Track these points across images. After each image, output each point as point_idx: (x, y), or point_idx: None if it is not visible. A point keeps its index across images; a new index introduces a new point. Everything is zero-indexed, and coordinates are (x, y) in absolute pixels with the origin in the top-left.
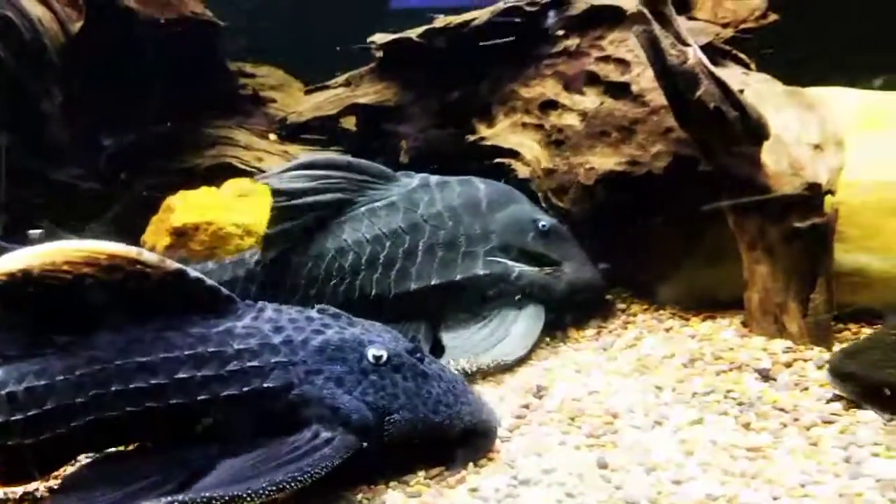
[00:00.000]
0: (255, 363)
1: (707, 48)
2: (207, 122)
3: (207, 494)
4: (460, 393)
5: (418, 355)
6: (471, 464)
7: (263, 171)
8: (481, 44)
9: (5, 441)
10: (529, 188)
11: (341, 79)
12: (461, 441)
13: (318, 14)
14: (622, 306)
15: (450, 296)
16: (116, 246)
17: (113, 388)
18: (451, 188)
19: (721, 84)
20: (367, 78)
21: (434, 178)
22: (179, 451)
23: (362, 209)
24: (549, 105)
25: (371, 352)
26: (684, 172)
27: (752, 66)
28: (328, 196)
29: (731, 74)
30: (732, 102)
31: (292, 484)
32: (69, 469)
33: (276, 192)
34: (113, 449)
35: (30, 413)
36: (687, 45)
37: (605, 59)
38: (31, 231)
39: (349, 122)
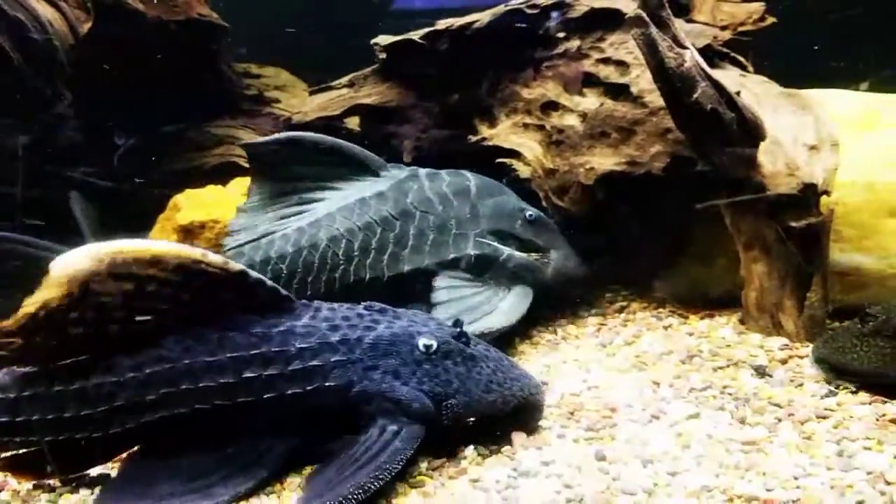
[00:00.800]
0: (316, 362)
1: (705, 51)
2: (213, 121)
3: None
4: (507, 369)
5: (464, 339)
6: (474, 455)
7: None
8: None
9: (73, 434)
10: (530, 188)
11: (345, 79)
12: (512, 417)
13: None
14: (622, 304)
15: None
16: (182, 247)
17: (183, 387)
18: (441, 178)
19: (717, 86)
20: (371, 79)
21: (423, 170)
22: (242, 447)
23: (353, 200)
24: (550, 106)
25: (422, 342)
26: (682, 173)
27: (750, 68)
28: (307, 183)
29: (729, 76)
30: (729, 104)
31: (375, 483)
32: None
33: (252, 156)
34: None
35: (99, 408)
36: (684, 47)
37: (606, 60)
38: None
39: (353, 123)
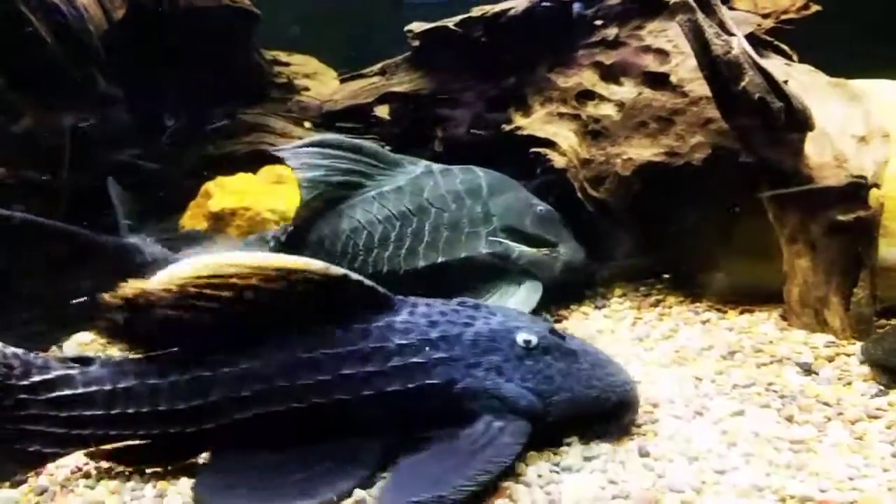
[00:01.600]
0: (416, 359)
1: (748, 39)
2: (244, 109)
3: (415, 499)
4: (604, 364)
5: (559, 334)
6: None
7: None
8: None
9: (167, 429)
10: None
11: (376, 67)
12: (609, 413)
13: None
14: (657, 297)
15: (455, 274)
16: (284, 258)
17: (278, 384)
18: (454, 175)
19: (766, 74)
20: (403, 67)
21: (437, 166)
22: (341, 445)
23: (371, 193)
24: (586, 95)
25: (521, 337)
26: (723, 164)
27: (794, 57)
28: (339, 178)
29: (774, 65)
30: (777, 93)
31: (484, 477)
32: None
33: (295, 169)
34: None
35: (193, 403)
36: (731, 34)
37: (644, 48)
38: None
39: (383, 111)
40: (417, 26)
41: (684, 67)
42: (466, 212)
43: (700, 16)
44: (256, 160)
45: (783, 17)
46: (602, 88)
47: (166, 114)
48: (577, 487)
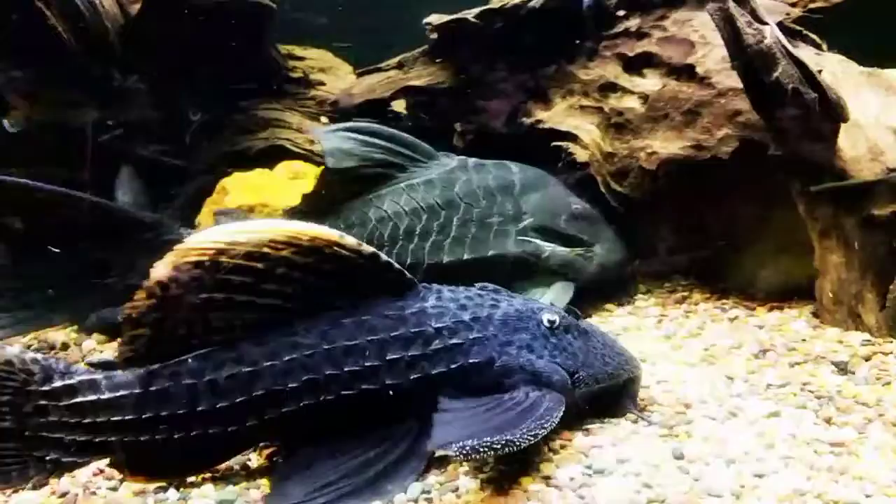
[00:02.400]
0: (455, 340)
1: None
2: (259, 104)
3: (489, 440)
4: (613, 344)
5: (574, 315)
6: (546, 450)
7: (315, 154)
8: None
9: (206, 430)
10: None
11: (394, 61)
12: (623, 389)
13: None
14: (682, 294)
15: (481, 272)
16: (318, 227)
17: (326, 373)
18: (487, 170)
19: (800, 64)
20: (421, 60)
21: (471, 161)
22: (395, 436)
23: (402, 184)
24: (609, 87)
25: (546, 317)
26: (752, 157)
27: (824, 46)
28: (370, 170)
29: (806, 55)
30: (811, 83)
31: (540, 432)
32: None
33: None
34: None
35: (236, 400)
36: (764, 23)
37: (668, 39)
38: None
39: (400, 106)
40: (436, 19)
41: (711, 58)
42: (497, 209)
43: (731, 4)
44: (273, 155)
45: (811, 5)
46: (625, 80)
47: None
48: (610, 491)
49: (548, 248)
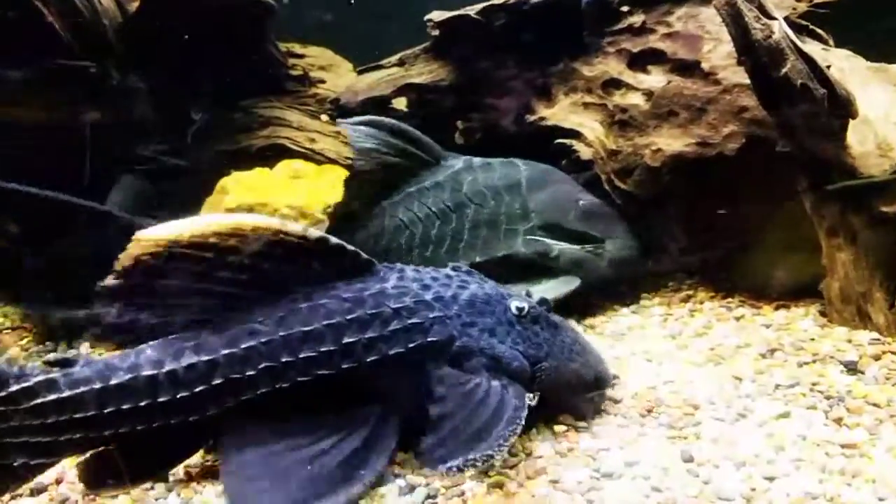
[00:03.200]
0: (414, 320)
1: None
2: (259, 102)
3: (472, 457)
4: (583, 342)
5: (545, 307)
6: (552, 453)
7: (317, 152)
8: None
9: (168, 420)
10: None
11: (395, 58)
12: (589, 387)
13: None
14: (687, 293)
15: (496, 270)
16: (259, 217)
17: (283, 360)
18: (493, 169)
19: (808, 60)
20: (422, 57)
21: (477, 160)
22: (357, 421)
23: (413, 189)
24: (612, 84)
25: (514, 304)
26: (758, 154)
27: (831, 41)
28: (392, 159)
29: (814, 50)
30: (820, 79)
31: (511, 438)
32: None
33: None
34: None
35: (196, 390)
36: (772, 18)
37: (673, 35)
38: None
39: (401, 103)
40: (437, 15)
41: (717, 54)
42: (505, 208)
43: None
44: (273, 154)
45: (817, 0)
46: (629, 77)
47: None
48: (619, 495)
49: (557, 246)
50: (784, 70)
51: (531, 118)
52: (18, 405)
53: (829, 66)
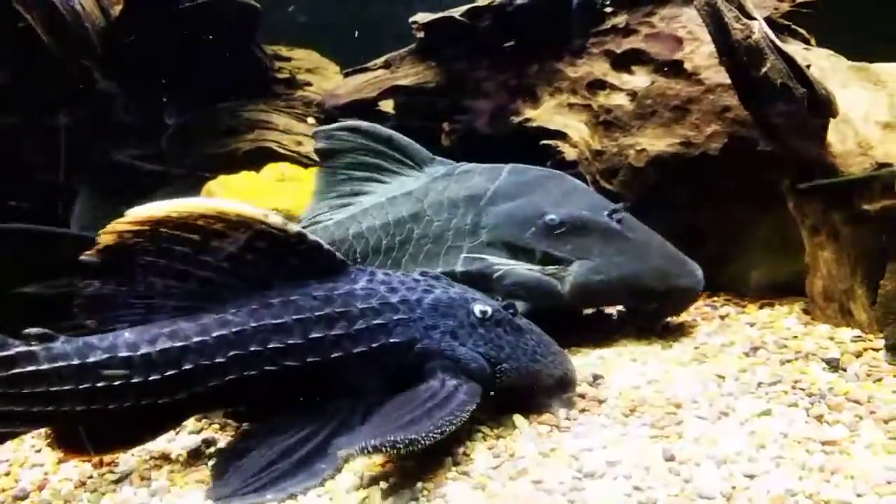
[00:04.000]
0: (379, 321)
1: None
2: (245, 105)
3: (392, 438)
4: (548, 344)
5: (511, 311)
6: (536, 454)
7: (303, 155)
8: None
9: (138, 402)
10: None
11: (380, 60)
12: (552, 389)
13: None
14: None
15: None
16: (244, 206)
17: (251, 349)
18: (468, 178)
19: (788, 59)
20: (408, 59)
21: (462, 166)
22: (323, 416)
23: (384, 197)
24: (597, 84)
25: (477, 307)
26: (741, 153)
27: (812, 41)
28: (360, 172)
29: (793, 50)
30: (800, 79)
31: (448, 428)
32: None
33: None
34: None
35: (167, 373)
36: (752, 18)
37: (656, 35)
38: None
39: (387, 106)
40: (422, 17)
41: (699, 54)
42: (455, 222)
43: None
44: (259, 158)
45: None
46: (613, 78)
47: (167, 112)
48: (601, 495)
49: (502, 266)
50: (764, 70)
51: (516, 119)
52: None
53: (808, 66)
